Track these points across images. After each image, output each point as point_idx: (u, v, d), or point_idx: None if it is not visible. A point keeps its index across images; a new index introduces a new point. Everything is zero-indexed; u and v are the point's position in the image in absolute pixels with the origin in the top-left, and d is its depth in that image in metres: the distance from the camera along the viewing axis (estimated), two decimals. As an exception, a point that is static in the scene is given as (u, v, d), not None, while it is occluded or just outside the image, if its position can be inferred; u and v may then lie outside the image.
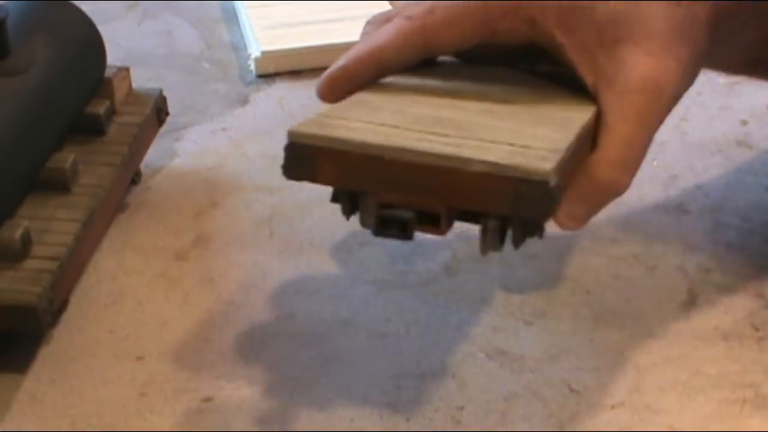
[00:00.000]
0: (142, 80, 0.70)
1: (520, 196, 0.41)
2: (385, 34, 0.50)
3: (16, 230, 0.54)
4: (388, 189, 0.43)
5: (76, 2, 0.66)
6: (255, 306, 0.57)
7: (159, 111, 0.67)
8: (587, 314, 0.56)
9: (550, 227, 0.46)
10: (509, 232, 0.44)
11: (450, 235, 0.45)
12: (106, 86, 0.65)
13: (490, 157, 0.42)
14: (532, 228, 0.44)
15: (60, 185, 0.58)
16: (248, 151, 0.70)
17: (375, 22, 0.53)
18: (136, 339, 0.55)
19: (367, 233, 0.62)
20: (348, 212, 0.46)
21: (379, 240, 0.61)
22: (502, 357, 0.53)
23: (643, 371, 0.52)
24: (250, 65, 0.79)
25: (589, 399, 0.51)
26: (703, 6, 0.49)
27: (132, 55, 0.81)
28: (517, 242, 0.44)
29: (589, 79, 0.49)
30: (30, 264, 0.53)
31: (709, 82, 0.73)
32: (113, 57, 0.67)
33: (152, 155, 0.68)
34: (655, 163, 0.65)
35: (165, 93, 0.68)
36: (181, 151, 0.70)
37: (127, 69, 0.67)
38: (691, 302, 0.57)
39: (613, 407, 0.50)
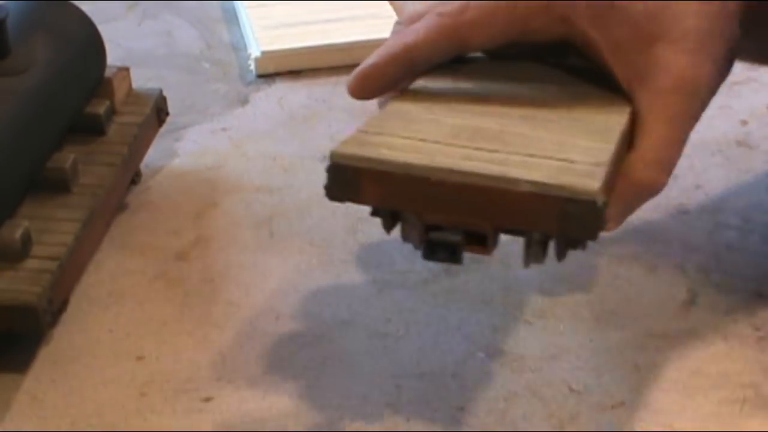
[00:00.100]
0: (142, 80, 0.70)
1: (567, 215, 0.41)
2: (418, 31, 0.50)
3: (16, 230, 0.54)
4: (434, 209, 0.43)
5: (76, 2, 0.66)
6: (255, 306, 0.57)
7: (159, 111, 0.67)
8: (587, 314, 0.56)
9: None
10: (551, 244, 0.44)
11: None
12: (106, 86, 0.65)
13: (536, 176, 0.42)
14: (575, 241, 0.44)
15: (60, 185, 0.58)
16: (248, 151, 0.70)
17: (405, 21, 0.53)
18: (136, 339, 0.55)
19: (367, 233, 0.62)
20: (389, 227, 0.45)
21: (379, 240, 0.62)
22: (502, 357, 0.53)
23: (643, 371, 0.52)
24: (250, 65, 0.79)
25: (589, 399, 0.51)
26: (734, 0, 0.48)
27: (132, 55, 0.81)
28: (561, 255, 0.44)
29: (622, 77, 0.48)
30: (30, 264, 0.53)
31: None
32: (113, 57, 0.67)
33: (152, 155, 0.68)
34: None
35: (165, 93, 0.68)
36: (181, 151, 0.70)
37: (127, 69, 0.67)
38: (691, 302, 0.57)
39: (613, 407, 0.50)
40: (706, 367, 0.52)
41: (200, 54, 0.82)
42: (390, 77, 0.50)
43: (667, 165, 0.48)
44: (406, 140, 0.45)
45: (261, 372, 0.53)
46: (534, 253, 0.44)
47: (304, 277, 0.59)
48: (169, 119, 0.69)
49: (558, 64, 0.52)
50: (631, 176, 0.47)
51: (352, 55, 0.79)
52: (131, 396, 0.52)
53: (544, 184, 0.41)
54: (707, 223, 0.62)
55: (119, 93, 0.65)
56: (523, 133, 0.46)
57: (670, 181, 0.48)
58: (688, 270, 0.59)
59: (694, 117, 0.48)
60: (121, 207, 0.64)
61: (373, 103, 0.75)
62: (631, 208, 0.48)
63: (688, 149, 0.48)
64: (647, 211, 0.55)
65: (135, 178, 0.66)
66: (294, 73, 0.79)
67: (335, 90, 0.77)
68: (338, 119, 0.73)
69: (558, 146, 0.44)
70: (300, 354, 0.54)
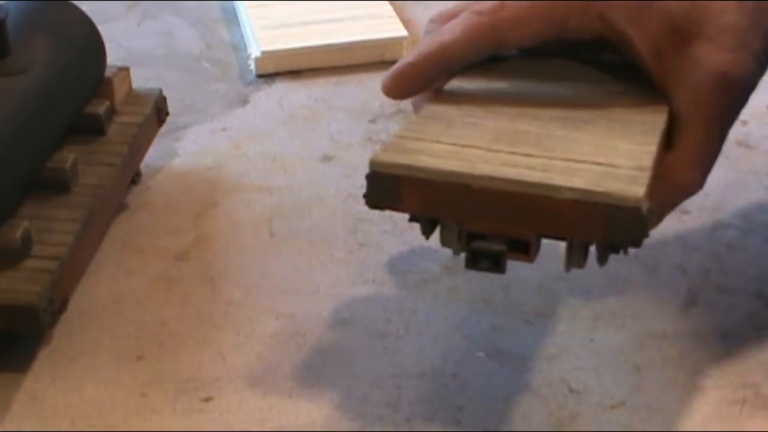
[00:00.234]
0: (142, 80, 0.70)
1: (611, 222, 0.41)
2: (454, 30, 0.49)
3: (16, 230, 0.54)
4: (475, 217, 0.42)
5: (76, 2, 0.66)
6: (255, 306, 0.57)
7: (159, 111, 0.67)
8: (587, 314, 0.56)
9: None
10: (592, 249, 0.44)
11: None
12: (106, 86, 0.65)
13: (579, 182, 0.41)
14: (617, 247, 0.43)
15: (60, 185, 0.58)
16: (248, 151, 0.70)
17: (438, 20, 0.52)
18: (136, 339, 0.55)
19: (367, 233, 0.62)
20: (428, 233, 0.45)
21: (379, 240, 0.62)
22: (502, 357, 0.53)
23: (643, 371, 0.52)
24: (250, 65, 0.79)
25: (589, 399, 0.51)
26: None
27: (132, 55, 0.81)
28: (602, 260, 0.44)
29: (659, 75, 0.48)
30: (30, 264, 0.53)
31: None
32: (113, 57, 0.67)
33: (152, 155, 0.68)
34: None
35: (165, 93, 0.68)
36: (181, 151, 0.70)
37: (127, 69, 0.67)
38: (691, 302, 0.57)
39: (613, 407, 0.50)
40: (706, 367, 0.52)
41: (200, 54, 0.82)
42: (426, 76, 0.50)
43: (705, 165, 0.48)
44: (446, 146, 0.44)
45: (261, 372, 0.53)
46: (576, 258, 0.43)
47: (304, 277, 0.59)
48: (169, 119, 0.69)
49: (591, 61, 0.52)
50: (670, 177, 0.46)
51: (352, 55, 0.80)
52: (131, 396, 0.52)
53: (588, 191, 0.41)
54: (707, 223, 0.62)
55: (119, 93, 0.65)
56: (562, 135, 0.45)
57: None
58: (688, 270, 0.59)
59: (733, 114, 0.48)
60: (121, 207, 0.64)
61: (372, 104, 0.75)
62: (668, 208, 0.48)
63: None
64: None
65: (135, 178, 0.66)
66: (294, 73, 0.79)
67: (335, 90, 0.77)
68: (338, 119, 0.73)
69: (598, 149, 0.44)
70: (300, 354, 0.54)
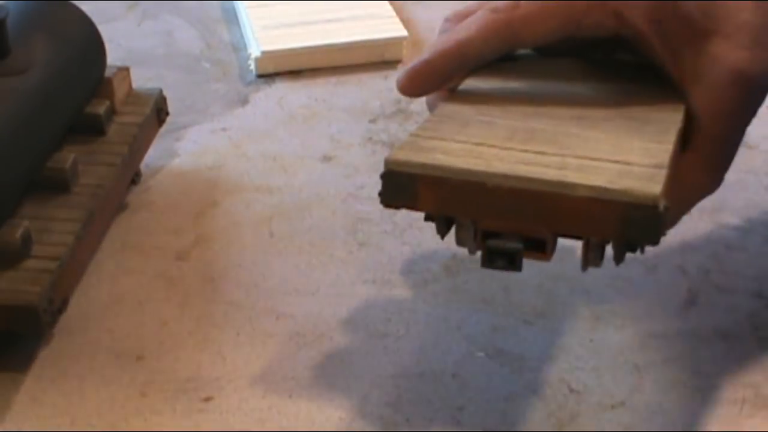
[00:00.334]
0: (142, 80, 0.70)
1: (628, 220, 0.40)
2: (470, 28, 0.49)
3: (16, 230, 0.54)
4: (491, 215, 0.42)
5: (76, 2, 0.66)
6: (255, 306, 0.57)
7: (159, 111, 0.67)
8: (587, 314, 0.56)
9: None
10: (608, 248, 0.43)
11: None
12: (106, 86, 0.65)
13: (596, 180, 0.41)
14: (634, 245, 0.43)
15: (60, 185, 0.58)
16: (248, 151, 0.70)
17: (453, 19, 0.52)
18: (136, 339, 0.55)
19: (367, 233, 0.62)
20: (443, 233, 0.45)
21: (379, 240, 0.62)
22: (502, 357, 0.53)
23: (643, 371, 0.52)
24: (250, 65, 0.79)
25: (589, 399, 0.51)
26: None
27: (132, 55, 0.81)
28: (619, 259, 0.43)
29: (676, 74, 0.48)
30: (30, 264, 0.53)
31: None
32: (113, 57, 0.67)
33: (152, 155, 0.68)
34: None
35: (165, 93, 0.68)
36: (181, 151, 0.70)
37: (127, 69, 0.67)
38: (691, 302, 0.57)
39: (613, 407, 0.50)
40: (706, 367, 0.52)
41: (200, 54, 0.82)
42: (442, 74, 0.49)
43: (723, 164, 0.47)
44: (462, 144, 0.44)
45: (261, 372, 0.53)
46: (592, 257, 0.43)
47: (304, 277, 0.59)
48: (169, 119, 0.69)
49: (606, 60, 0.52)
50: (687, 177, 0.46)
51: (352, 55, 0.80)
52: (131, 396, 0.52)
53: (604, 189, 0.41)
54: (707, 223, 0.62)
55: (119, 93, 0.65)
56: (577, 134, 0.45)
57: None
58: (688, 270, 0.59)
59: (750, 113, 0.48)
60: (121, 207, 0.64)
61: (372, 104, 0.75)
62: (685, 208, 0.48)
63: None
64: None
65: (135, 178, 0.66)
66: (294, 73, 0.79)
67: (335, 90, 0.77)
68: (338, 119, 0.73)
69: (614, 147, 0.44)
70: (300, 354, 0.54)
